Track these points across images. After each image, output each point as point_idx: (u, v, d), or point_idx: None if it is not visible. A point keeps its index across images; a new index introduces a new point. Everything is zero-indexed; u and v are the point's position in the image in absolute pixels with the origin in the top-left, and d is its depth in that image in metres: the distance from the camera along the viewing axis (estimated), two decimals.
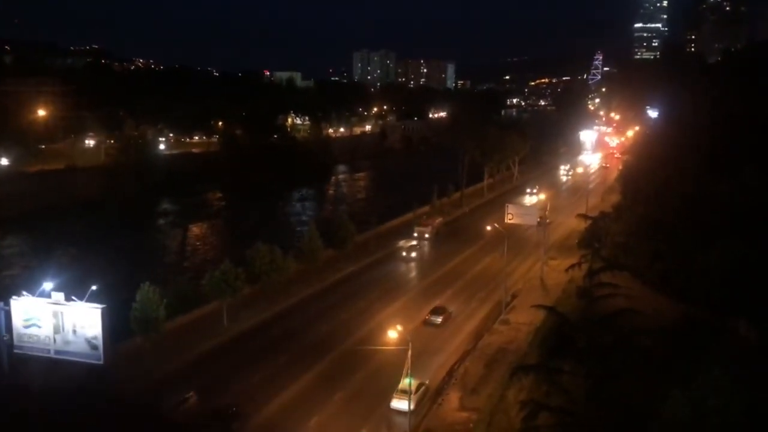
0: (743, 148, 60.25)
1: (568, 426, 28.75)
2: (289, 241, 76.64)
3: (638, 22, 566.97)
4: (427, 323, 54.44)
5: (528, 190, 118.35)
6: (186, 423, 37.91)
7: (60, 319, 39.29)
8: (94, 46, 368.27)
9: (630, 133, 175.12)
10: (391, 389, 40.72)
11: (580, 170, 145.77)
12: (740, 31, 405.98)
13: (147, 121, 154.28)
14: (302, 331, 52.55)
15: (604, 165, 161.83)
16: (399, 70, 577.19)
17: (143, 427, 37.35)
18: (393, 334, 38.06)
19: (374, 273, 70.24)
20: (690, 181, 58.97)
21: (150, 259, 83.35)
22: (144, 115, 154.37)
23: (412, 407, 37.74)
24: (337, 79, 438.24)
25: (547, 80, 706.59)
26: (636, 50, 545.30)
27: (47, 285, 39.88)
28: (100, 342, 38.70)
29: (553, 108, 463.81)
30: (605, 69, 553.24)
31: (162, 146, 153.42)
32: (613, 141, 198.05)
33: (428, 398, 41.51)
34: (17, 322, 39.87)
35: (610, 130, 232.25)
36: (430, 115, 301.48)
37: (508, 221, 76.28)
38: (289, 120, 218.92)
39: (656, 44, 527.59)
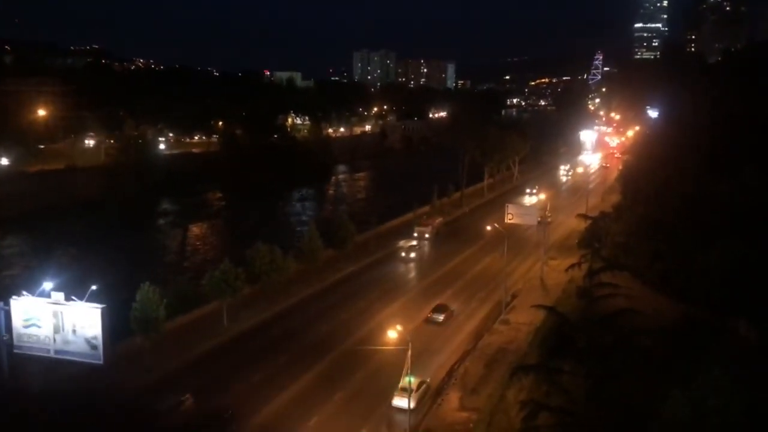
0: (743, 148, 60.21)
1: (568, 426, 28.74)
2: (289, 241, 76.63)
3: (638, 22, 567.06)
4: (428, 321, 54.71)
5: (528, 191, 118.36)
6: (182, 426, 37.72)
7: (60, 319, 39.27)
8: (94, 46, 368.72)
9: (630, 133, 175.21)
10: (391, 389, 40.76)
11: (580, 170, 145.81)
12: (740, 31, 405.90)
13: (147, 121, 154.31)
14: (302, 331, 52.55)
15: (604, 165, 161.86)
16: (399, 70, 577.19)
17: (138, 430, 37.26)
18: (393, 334, 38.08)
19: (374, 273, 70.23)
20: (690, 181, 58.95)
21: (150, 259, 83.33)
22: (144, 115, 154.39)
23: (413, 405, 38.19)
24: (337, 79, 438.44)
25: (547, 80, 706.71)
26: (636, 50, 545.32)
27: (47, 285, 39.86)
28: (99, 342, 38.68)
29: (554, 108, 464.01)
30: (605, 69, 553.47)
31: (162, 146, 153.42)
32: (613, 141, 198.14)
33: (429, 396, 41.70)
34: (17, 321, 39.85)
35: (610, 130, 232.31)
36: (430, 115, 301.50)
37: (508, 221, 76.26)
38: (289, 120, 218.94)
39: (656, 44, 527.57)
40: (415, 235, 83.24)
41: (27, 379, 40.71)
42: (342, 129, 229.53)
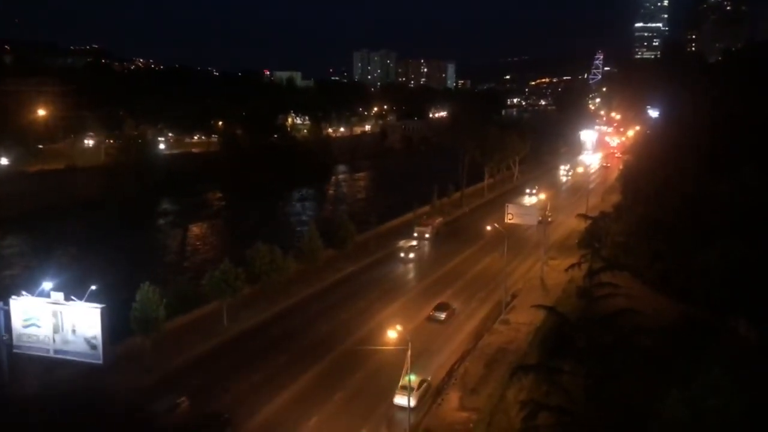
0: (743, 148, 60.15)
1: (568, 426, 28.73)
2: (289, 241, 76.64)
3: (639, 22, 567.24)
4: (431, 319, 55.09)
5: (527, 191, 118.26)
6: (181, 426, 37.58)
7: (59, 318, 39.28)
8: (94, 45, 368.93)
9: (630, 133, 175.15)
10: (391, 389, 40.81)
11: (580, 170, 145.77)
12: (741, 31, 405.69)
13: (147, 121, 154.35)
14: (302, 331, 52.55)
15: (604, 164, 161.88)
16: (399, 70, 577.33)
17: (138, 430, 37.18)
18: (393, 333, 38.08)
19: (374, 273, 70.23)
20: (690, 181, 58.88)
21: (150, 259, 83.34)
22: (144, 115, 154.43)
23: (415, 403, 38.71)
24: (337, 79, 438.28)
25: (547, 80, 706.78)
26: (636, 50, 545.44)
27: (47, 285, 39.87)
28: (99, 342, 38.69)
29: (554, 108, 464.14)
30: (606, 69, 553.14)
31: (162, 146, 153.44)
32: (614, 141, 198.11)
33: (430, 394, 41.90)
34: (17, 321, 39.87)
35: (610, 129, 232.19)
36: (431, 115, 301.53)
37: (508, 221, 76.27)
38: (290, 120, 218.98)
39: (657, 44, 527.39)
40: (415, 235, 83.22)
41: (26, 379, 40.69)
42: (342, 129, 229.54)
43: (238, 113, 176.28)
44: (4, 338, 40.12)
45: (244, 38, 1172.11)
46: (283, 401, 40.88)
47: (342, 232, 73.00)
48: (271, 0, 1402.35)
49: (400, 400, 39.10)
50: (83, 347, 39.16)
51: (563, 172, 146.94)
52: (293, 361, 46.36)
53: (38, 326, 39.55)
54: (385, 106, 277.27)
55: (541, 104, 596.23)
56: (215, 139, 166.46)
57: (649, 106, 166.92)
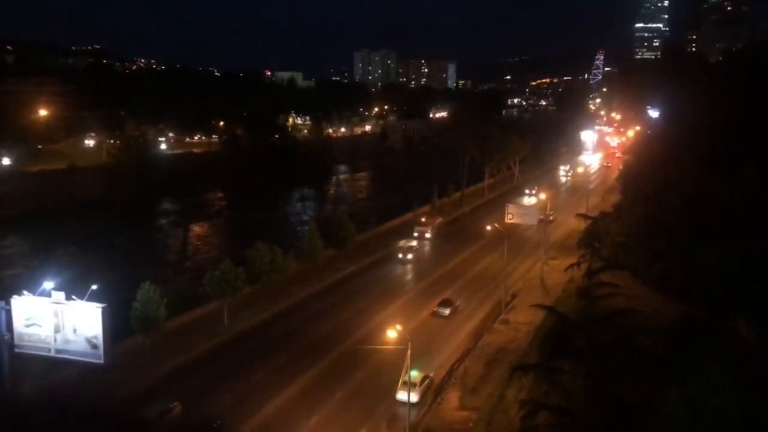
0: (743, 148, 60.16)
1: (567, 425, 28.76)
2: (289, 240, 76.57)
3: (639, 22, 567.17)
4: (435, 315, 55.84)
5: (527, 191, 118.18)
6: (179, 427, 37.59)
7: (60, 318, 39.23)
8: (95, 46, 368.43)
9: (630, 133, 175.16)
10: (391, 388, 41.00)
11: (580, 170, 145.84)
12: (741, 31, 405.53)
13: (148, 121, 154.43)
14: (302, 330, 52.62)
15: (605, 164, 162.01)
16: (400, 70, 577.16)
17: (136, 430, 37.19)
18: (392, 333, 38.16)
19: (374, 273, 70.30)
20: (690, 181, 58.91)
21: (151, 258, 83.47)
22: (145, 115, 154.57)
23: (417, 399, 39.52)
24: (338, 79, 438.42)
25: (548, 80, 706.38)
26: (637, 50, 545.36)
27: (48, 284, 39.84)
28: (100, 341, 38.65)
29: (554, 108, 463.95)
30: (606, 69, 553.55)
31: (163, 146, 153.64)
32: (614, 141, 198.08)
33: (432, 391, 42.22)
34: (18, 321, 39.85)
35: (611, 130, 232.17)
36: (431, 115, 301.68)
37: (509, 221, 76.34)
38: (290, 120, 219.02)
39: (657, 44, 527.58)
40: (416, 234, 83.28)
41: (27, 378, 40.76)
42: (343, 129, 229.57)
43: (238, 113, 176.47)
44: (6, 338, 40.13)
45: (244, 38, 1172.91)
46: (283, 401, 40.96)
47: (342, 232, 73.07)
48: (271, 0, 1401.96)
49: (403, 396, 39.30)
50: (84, 347, 39.13)
51: (563, 172, 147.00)
52: (293, 361, 46.44)
53: (39, 326, 39.51)
54: (386, 106, 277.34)
55: (542, 104, 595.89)
56: (216, 140, 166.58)
57: (649, 106, 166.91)
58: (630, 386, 30.74)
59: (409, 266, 74.09)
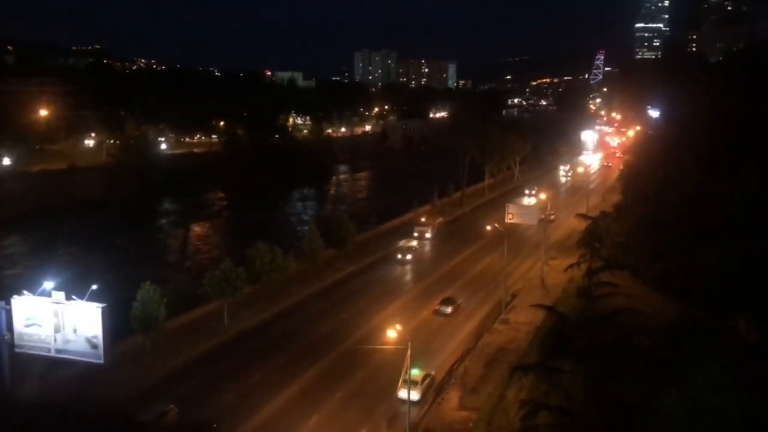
0: (743, 148, 60.16)
1: (567, 425, 28.77)
2: (289, 240, 76.64)
3: (639, 22, 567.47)
4: (437, 313, 56.05)
5: (527, 191, 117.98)
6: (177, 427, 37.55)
7: (60, 318, 39.30)
8: (95, 46, 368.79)
9: (631, 133, 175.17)
10: (391, 388, 40.98)
11: (580, 170, 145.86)
12: (741, 31, 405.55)
13: (148, 121, 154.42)
14: (302, 330, 52.61)
15: (606, 164, 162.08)
16: (400, 70, 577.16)
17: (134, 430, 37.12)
18: (392, 333, 38.17)
19: (374, 273, 70.28)
20: (690, 181, 58.90)
21: (151, 258, 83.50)
22: (145, 115, 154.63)
23: (418, 397, 39.77)
24: (338, 79, 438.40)
25: (548, 80, 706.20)
26: (637, 50, 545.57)
27: (48, 284, 39.90)
28: (100, 341, 38.71)
29: (555, 108, 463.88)
30: (606, 69, 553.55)
31: (163, 146, 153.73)
32: (614, 141, 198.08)
33: (434, 389, 42.37)
34: (18, 321, 39.91)
35: (611, 129, 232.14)
36: (431, 115, 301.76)
37: (509, 221, 76.35)
38: (290, 120, 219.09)
39: (657, 44, 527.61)
40: (416, 234, 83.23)
41: (27, 379, 40.77)
42: (343, 129, 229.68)
43: (238, 113, 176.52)
44: (6, 337, 40.19)
45: (244, 38, 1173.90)
46: (283, 400, 40.95)
47: (342, 232, 73.08)
48: (271, 0, 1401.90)
49: (405, 394, 39.36)
50: (84, 347, 39.19)
51: (563, 172, 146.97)
52: (293, 361, 46.43)
53: (39, 326, 39.58)
54: (386, 106, 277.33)
55: (542, 104, 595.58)
56: (216, 140, 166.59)
57: (649, 106, 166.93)
58: (630, 386, 30.77)
59: (409, 266, 74.06)
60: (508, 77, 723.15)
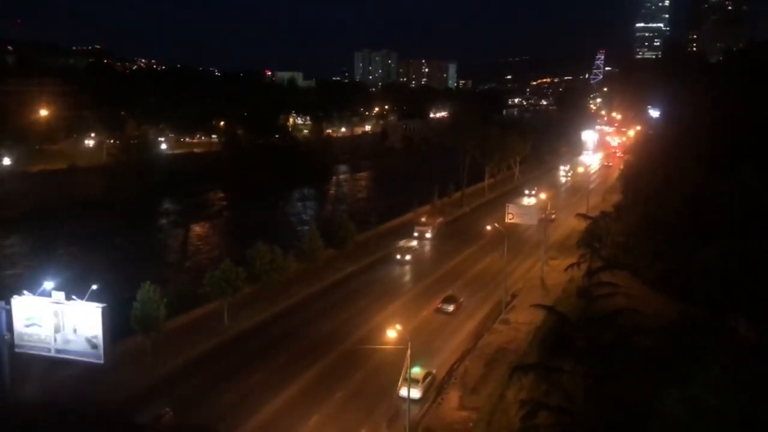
0: (743, 148, 60.14)
1: (567, 425, 28.77)
2: (289, 240, 76.67)
3: (640, 22, 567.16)
4: (439, 311, 56.37)
5: (526, 192, 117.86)
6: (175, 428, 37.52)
7: (60, 318, 39.31)
8: (96, 46, 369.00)
9: (631, 133, 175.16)
10: (391, 388, 40.99)
11: (580, 170, 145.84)
12: (741, 31, 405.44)
13: (148, 121, 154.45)
14: (302, 330, 52.62)
15: (606, 164, 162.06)
16: (400, 70, 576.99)
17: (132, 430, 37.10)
18: (392, 333, 38.17)
19: (374, 273, 70.29)
20: (690, 181, 58.88)
21: (151, 258, 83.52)
22: (145, 115, 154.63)
23: (420, 395, 40.07)
24: (338, 79, 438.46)
25: (548, 80, 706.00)
26: (637, 50, 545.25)
27: (48, 284, 39.91)
28: (100, 341, 38.71)
29: (555, 108, 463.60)
30: (607, 69, 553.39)
31: (163, 146, 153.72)
32: (615, 140, 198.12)
33: (434, 387, 42.50)
34: (18, 321, 39.92)
35: (611, 129, 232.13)
36: (431, 115, 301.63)
37: (509, 221, 76.34)
38: (291, 120, 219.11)
39: (658, 44, 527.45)
40: (416, 234, 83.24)
41: (26, 379, 40.78)
42: (343, 129, 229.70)
43: (239, 113, 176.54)
44: (6, 337, 40.19)
45: (244, 38, 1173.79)
46: (283, 400, 40.96)
47: (342, 232, 73.09)
48: (271, 0, 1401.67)
49: (406, 392, 39.41)
50: (84, 347, 39.20)
51: (563, 172, 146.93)
52: (293, 361, 46.44)
53: (39, 326, 39.59)
54: (386, 106, 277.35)
55: (543, 104, 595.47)
56: (216, 140, 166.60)
57: (649, 106, 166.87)
58: (630, 386, 30.76)
59: (409, 266, 74.01)
60: (509, 77, 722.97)
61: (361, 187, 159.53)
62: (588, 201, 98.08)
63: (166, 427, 37.60)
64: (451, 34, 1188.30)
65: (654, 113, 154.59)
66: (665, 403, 26.23)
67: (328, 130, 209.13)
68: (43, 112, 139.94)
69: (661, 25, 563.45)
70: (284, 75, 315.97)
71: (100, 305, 38.69)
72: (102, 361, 39.11)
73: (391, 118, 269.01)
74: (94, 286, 39.49)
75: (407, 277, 70.92)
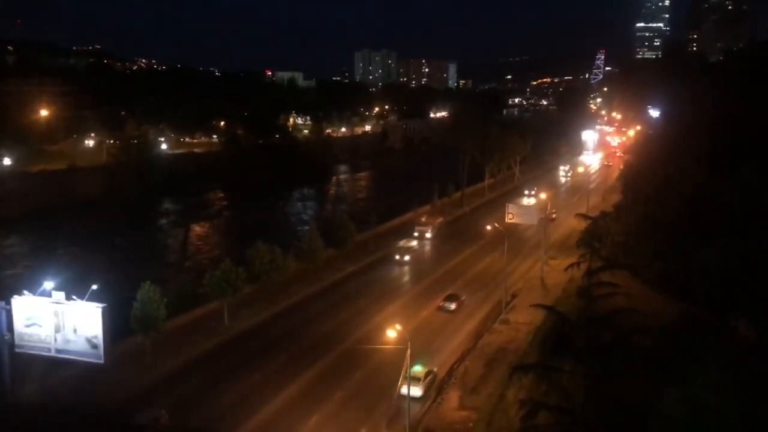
0: (743, 148, 60.16)
1: (567, 425, 28.75)
2: (289, 240, 76.66)
3: (640, 22, 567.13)
4: (441, 309, 56.70)
5: (526, 192, 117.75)
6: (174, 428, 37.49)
7: (61, 318, 39.34)
8: (96, 46, 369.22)
9: (631, 133, 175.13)
10: (391, 387, 40.97)
11: (581, 170, 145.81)
12: (741, 31, 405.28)
13: (148, 121, 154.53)
14: (302, 330, 52.63)
15: (606, 163, 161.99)
16: (400, 70, 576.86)
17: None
18: (392, 333, 38.17)
19: (374, 273, 70.28)
20: (690, 181, 58.91)
21: (151, 258, 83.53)
22: (145, 115, 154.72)
23: (421, 393, 40.20)
24: (338, 79, 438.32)
25: (548, 80, 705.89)
26: (638, 50, 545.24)
27: (48, 284, 39.94)
28: (100, 341, 38.74)
29: (555, 108, 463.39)
30: (607, 68, 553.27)
31: (163, 146, 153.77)
32: (615, 140, 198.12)
33: (436, 386, 42.57)
34: (18, 321, 39.95)
35: (611, 129, 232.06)
36: (432, 115, 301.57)
37: (509, 221, 76.33)
38: (291, 120, 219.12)
39: (658, 44, 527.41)
40: (416, 234, 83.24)
41: (26, 379, 40.79)
42: (343, 129, 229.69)
43: (239, 113, 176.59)
44: (6, 337, 40.21)
45: (244, 38, 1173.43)
46: (283, 400, 40.96)
47: (342, 232, 73.09)
48: (271, 0, 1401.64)
49: (407, 390, 39.46)
50: (84, 347, 39.23)
51: (563, 172, 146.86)
52: (293, 360, 46.43)
53: (39, 326, 39.62)
54: (386, 106, 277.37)
55: (543, 104, 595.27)
56: (216, 140, 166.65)
57: (649, 106, 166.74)
58: (630, 386, 30.74)
59: (409, 266, 73.97)
60: (509, 77, 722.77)
61: (361, 187, 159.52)
62: (588, 201, 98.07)
63: (165, 427, 37.56)
64: (451, 34, 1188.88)
65: (654, 113, 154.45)
66: (665, 403, 26.27)
67: (328, 130, 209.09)
68: (43, 112, 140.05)
69: (661, 25, 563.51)
70: (284, 75, 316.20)
71: (100, 305, 38.72)
72: (102, 361, 39.14)
73: (391, 118, 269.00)
74: (94, 286, 39.51)
75: (407, 277, 70.92)
